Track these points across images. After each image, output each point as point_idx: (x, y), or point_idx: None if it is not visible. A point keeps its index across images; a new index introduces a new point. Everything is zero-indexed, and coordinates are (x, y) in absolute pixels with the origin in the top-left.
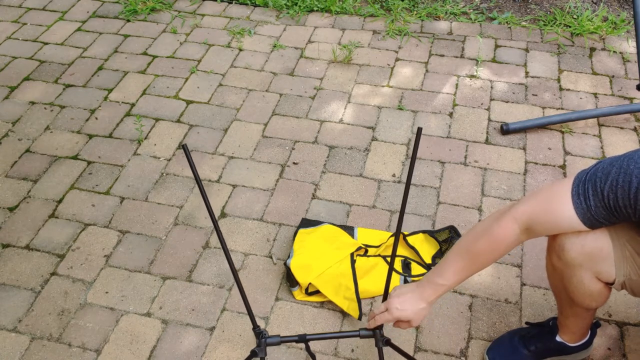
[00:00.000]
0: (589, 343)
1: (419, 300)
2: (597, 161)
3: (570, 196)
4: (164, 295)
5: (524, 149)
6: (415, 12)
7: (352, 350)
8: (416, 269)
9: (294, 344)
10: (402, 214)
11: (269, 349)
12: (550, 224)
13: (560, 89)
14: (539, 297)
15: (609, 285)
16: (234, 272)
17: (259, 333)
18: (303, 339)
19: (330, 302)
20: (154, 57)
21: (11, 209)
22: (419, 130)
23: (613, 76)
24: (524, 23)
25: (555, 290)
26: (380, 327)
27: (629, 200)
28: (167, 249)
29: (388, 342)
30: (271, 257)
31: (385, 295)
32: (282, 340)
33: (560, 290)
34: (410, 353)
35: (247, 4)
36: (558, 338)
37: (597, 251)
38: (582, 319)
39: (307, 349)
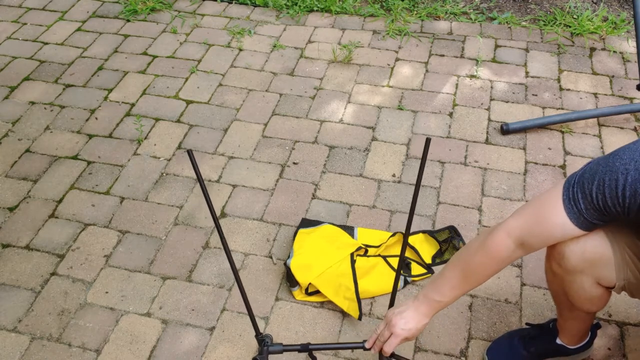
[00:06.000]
0: (589, 344)
1: (421, 316)
2: (587, 162)
3: (562, 202)
4: (164, 295)
5: (524, 149)
6: (415, 12)
7: (352, 351)
8: (416, 269)
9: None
10: (410, 221)
11: None
12: (545, 235)
13: (560, 89)
14: (539, 297)
15: (609, 289)
16: (236, 275)
17: (261, 340)
18: (306, 348)
19: (330, 302)
20: (154, 57)
21: (11, 209)
22: (428, 141)
23: (613, 76)
24: (524, 23)
25: (554, 295)
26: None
27: (617, 199)
28: (167, 249)
29: (393, 355)
30: (271, 257)
31: (393, 300)
32: (284, 349)
33: (560, 295)
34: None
35: (247, 4)
36: (558, 341)
37: (597, 257)
38: (582, 322)
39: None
